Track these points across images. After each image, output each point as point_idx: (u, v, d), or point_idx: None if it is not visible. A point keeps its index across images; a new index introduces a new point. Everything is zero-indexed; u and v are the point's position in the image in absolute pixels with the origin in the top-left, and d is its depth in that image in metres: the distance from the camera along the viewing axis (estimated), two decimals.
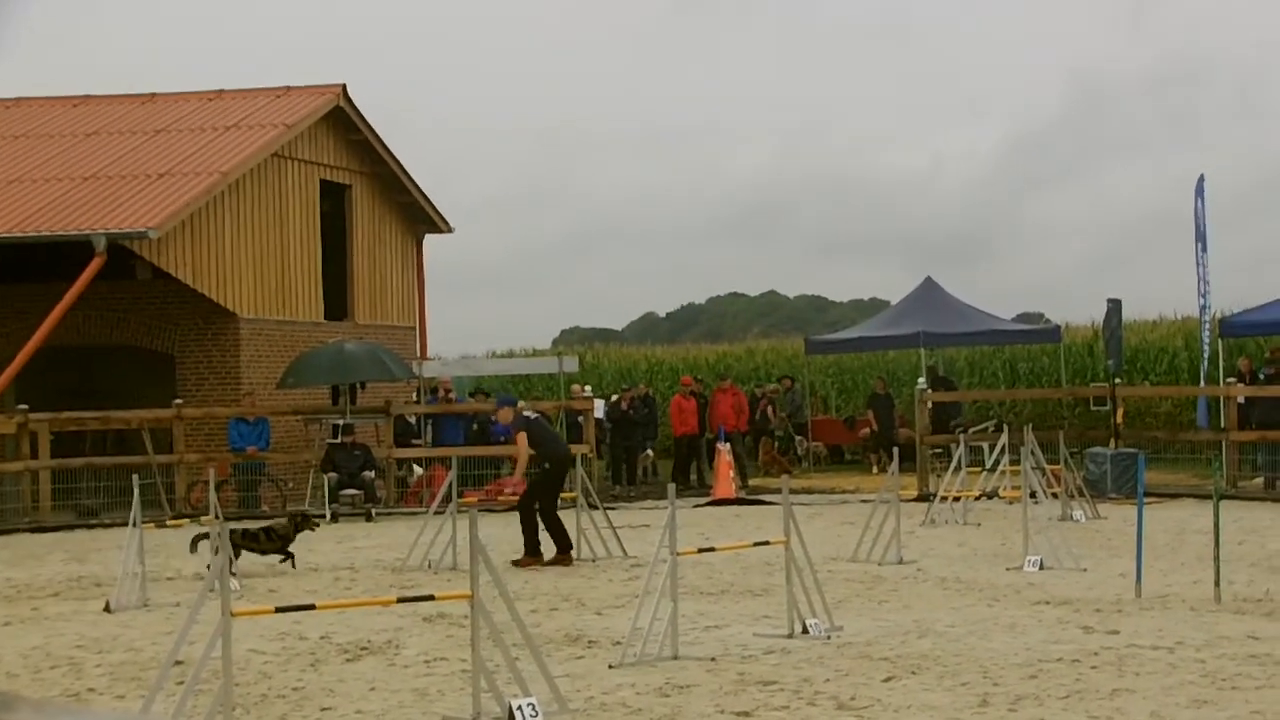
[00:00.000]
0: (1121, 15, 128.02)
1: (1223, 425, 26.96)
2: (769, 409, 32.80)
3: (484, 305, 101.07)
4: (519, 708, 9.53)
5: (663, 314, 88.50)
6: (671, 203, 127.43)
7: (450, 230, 35.10)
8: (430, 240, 35.25)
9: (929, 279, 34.98)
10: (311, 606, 10.83)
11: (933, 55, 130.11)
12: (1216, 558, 14.10)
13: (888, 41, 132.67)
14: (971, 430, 28.14)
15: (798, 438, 34.26)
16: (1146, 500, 16.19)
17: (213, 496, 18.14)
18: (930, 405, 28.67)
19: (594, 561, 18.26)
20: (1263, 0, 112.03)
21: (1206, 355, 30.09)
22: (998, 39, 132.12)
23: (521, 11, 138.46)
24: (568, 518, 18.28)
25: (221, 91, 32.51)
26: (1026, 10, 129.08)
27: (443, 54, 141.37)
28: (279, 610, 10.61)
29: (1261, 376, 27.59)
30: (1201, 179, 30.32)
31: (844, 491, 27.03)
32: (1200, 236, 29.96)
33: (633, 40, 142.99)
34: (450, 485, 18.18)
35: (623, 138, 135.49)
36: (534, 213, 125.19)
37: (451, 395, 29.77)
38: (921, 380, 30.36)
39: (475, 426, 28.66)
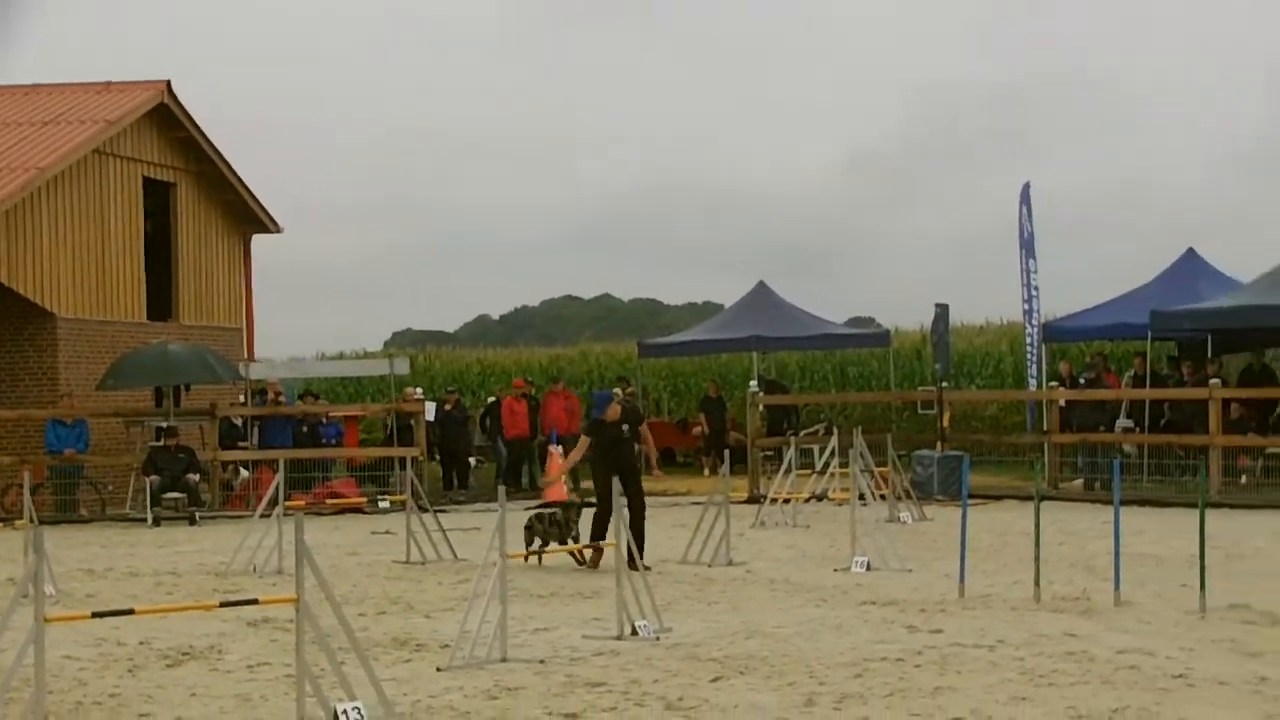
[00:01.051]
0: (962, 33, 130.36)
1: (1045, 428, 27.51)
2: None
3: (316, 308, 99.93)
4: (344, 712, 9.38)
5: (496, 317, 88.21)
6: (509, 211, 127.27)
7: (279, 230, 34.60)
8: (262, 242, 34.73)
9: (761, 283, 35.25)
10: (130, 611, 10.54)
11: (775, 68, 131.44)
12: (1037, 558, 14.36)
13: (730, 53, 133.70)
14: (802, 433, 28.43)
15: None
16: (971, 502, 16.44)
17: (27, 500, 17.65)
18: (762, 408, 28.89)
19: (423, 565, 18.09)
20: (1097, 22, 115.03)
21: (1032, 360, 30.69)
22: (839, 53, 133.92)
23: (369, 12, 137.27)
24: (397, 522, 18.09)
25: (38, 86, 31.73)
26: (867, 26, 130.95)
27: (284, 55, 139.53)
28: (96, 615, 10.32)
29: (1081, 381, 28.22)
30: (1027, 186, 30.91)
31: (676, 494, 27.12)
32: (1026, 244, 30.54)
33: (478, 49, 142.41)
34: (277, 488, 17.89)
35: (465, 145, 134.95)
36: (369, 217, 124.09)
37: (281, 398, 29.35)
38: (753, 383, 30.59)
39: (304, 429, 28.28)
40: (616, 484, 13.56)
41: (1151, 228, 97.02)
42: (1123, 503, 14.62)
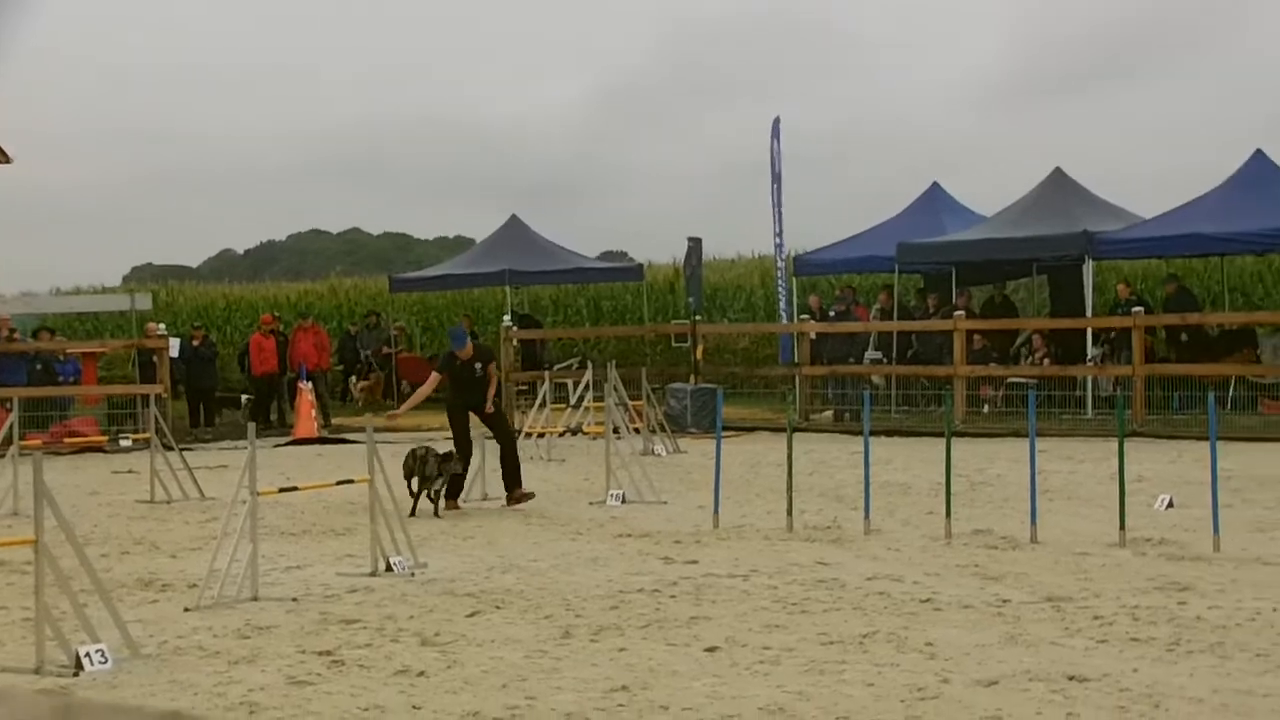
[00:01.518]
0: None
1: (796, 361, 27.95)
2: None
3: (50, 242, 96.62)
4: (87, 655, 9.06)
5: (241, 251, 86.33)
6: (252, 141, 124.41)
7: (9, 161, 33.21)
8: None
9: (514, 217, 35.09)
10: None
11: (525, 1, 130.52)
12: (789, 489, 14.57)
13: None
14: (556, 367, 28.41)
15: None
16: (724, 434, 16.60)
17: None
18: (516, 343, 28.78)
19: (169, 504, 17.63)
20: None
21: (783, 293, 31.12)
22: None
23: None
24: (140, 460, 17.56)
25: None
26: None
27: None
28: None
29: (831, 314, 28.72)
30: (777, 121, 31.25)
31: (430, 429, 26.88)
32: (776, 178, 30.89)
33: None
34: (11, 427, 17.22)
35: (206, 76, 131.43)
36: (105, 148, 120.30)
37: (15, 335, 28.29)
38: (506, 318, 30.46)
39: (39, 366, 27.31)
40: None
41: (897, 162, 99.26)
42: (871, 433, 14.89)
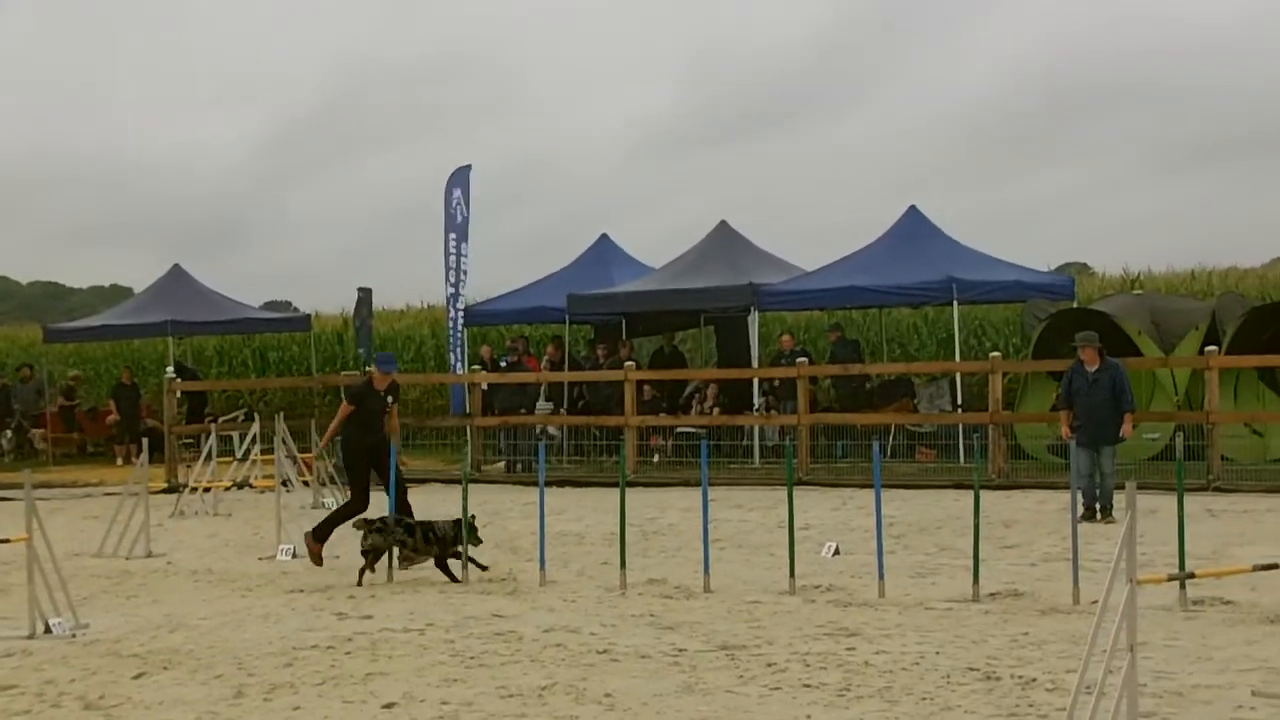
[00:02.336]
0: (382, 6, 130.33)
1: (468, 411, 27.85)
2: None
3: None
4: None
5: None
6: None
7: None
8: None
9: (177, 266, 34.21)
10: None
11: (191, 36, 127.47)
12: (464, 541, 14.46)
13: (146, 20, 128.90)
14: (222, 420, 27.71)
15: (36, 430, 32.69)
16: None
17: None
18: (180, 394, 27.98)
19: None
20: (507, 6, 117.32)
21: (455, 343, 31.01)
22: (258, 22, 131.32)
23: None
24: None
25: None
26: None
27: None
28: None
29: (503, 364, 28.73)
30: (466, 170, 31.16)
31: (88, 484, 25.89)
32: (459, 228, 30.81)
33: None
34: None
35: None
36: None
37: None
38: (170, 369, 29.60)
39: None
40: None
41: (567, 210, 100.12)
42: (545, 483, 14.92)
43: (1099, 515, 17.88)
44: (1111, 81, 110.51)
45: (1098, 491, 18.02)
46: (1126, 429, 18.14)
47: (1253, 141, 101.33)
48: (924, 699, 9.03)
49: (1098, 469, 18.01)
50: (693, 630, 11.53)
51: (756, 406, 26.56)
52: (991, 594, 12.79)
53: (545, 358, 29.47)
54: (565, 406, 28.14)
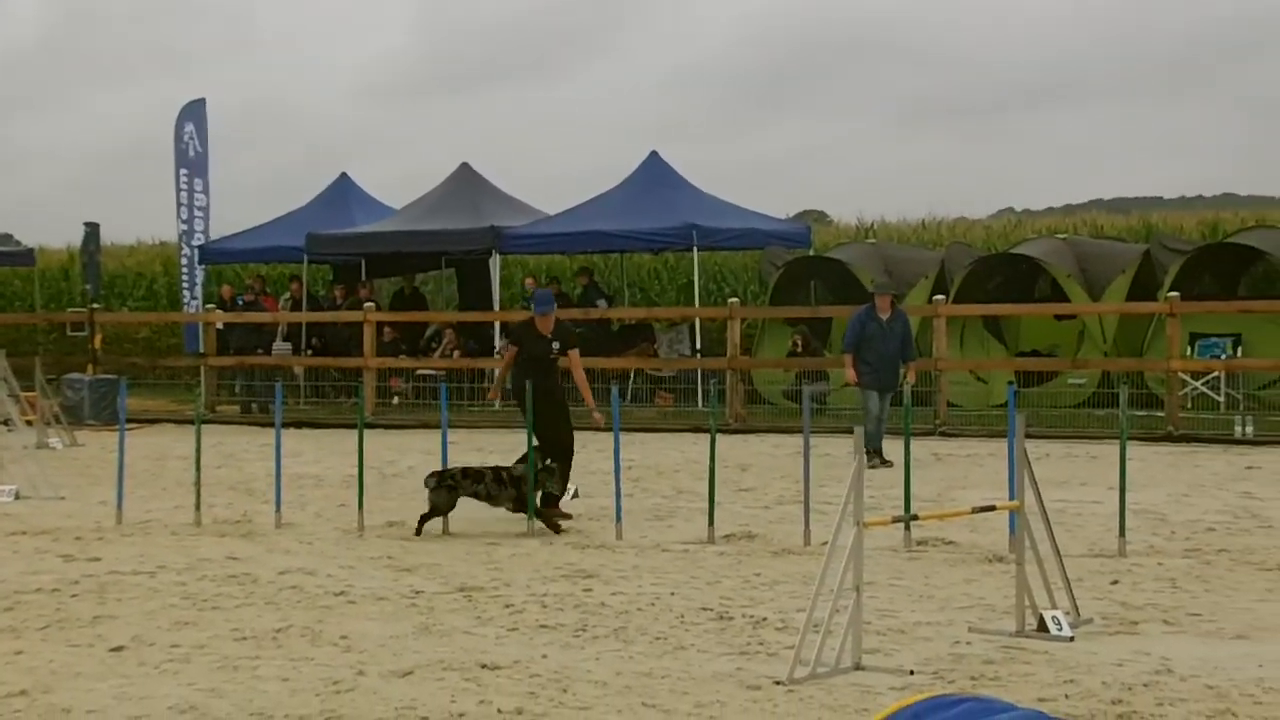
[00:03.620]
0: None
1: (202, 351, 27.27)
2: None
3: None
4: None
5: None
6: None
7: None
8: None
9: None
10: None
11: None
12: (197, 482, 14.21)
13: None
14: None
15: None
16: (127, 427, 15.99)
17: None
18: None
19: None
20: None
21: (189, 282, 30.29)
22: None
23: None
24: None
25: None
26: None
27: None
28: None
29: (240, 303, 28.19)
30: (196, 104, 30.34)
31: None
32: (188, 163, 30.03)
33: None
34: None
35: None
36: None
37: None
38: None
39: None
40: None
41: (306, 150, 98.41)
42: (283, 425, 14.69)
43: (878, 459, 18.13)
44: (855, 37, 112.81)
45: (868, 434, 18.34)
46: (911, 376, 18.55)
47: (983, 99, 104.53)
48: (658, 639, 9.16)
49: (883, 412, 18.38)
50: (431, 572, 11.51)
51: (498, 349, 26.53)
52: (726, 536, 13.01)
53: (286, 296, 29.00)
54: (304, 347, 27.74)
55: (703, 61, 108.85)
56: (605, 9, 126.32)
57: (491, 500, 13.61)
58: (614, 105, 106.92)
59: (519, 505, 13.60)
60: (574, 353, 14.59)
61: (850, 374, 18.42)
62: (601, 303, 25.75)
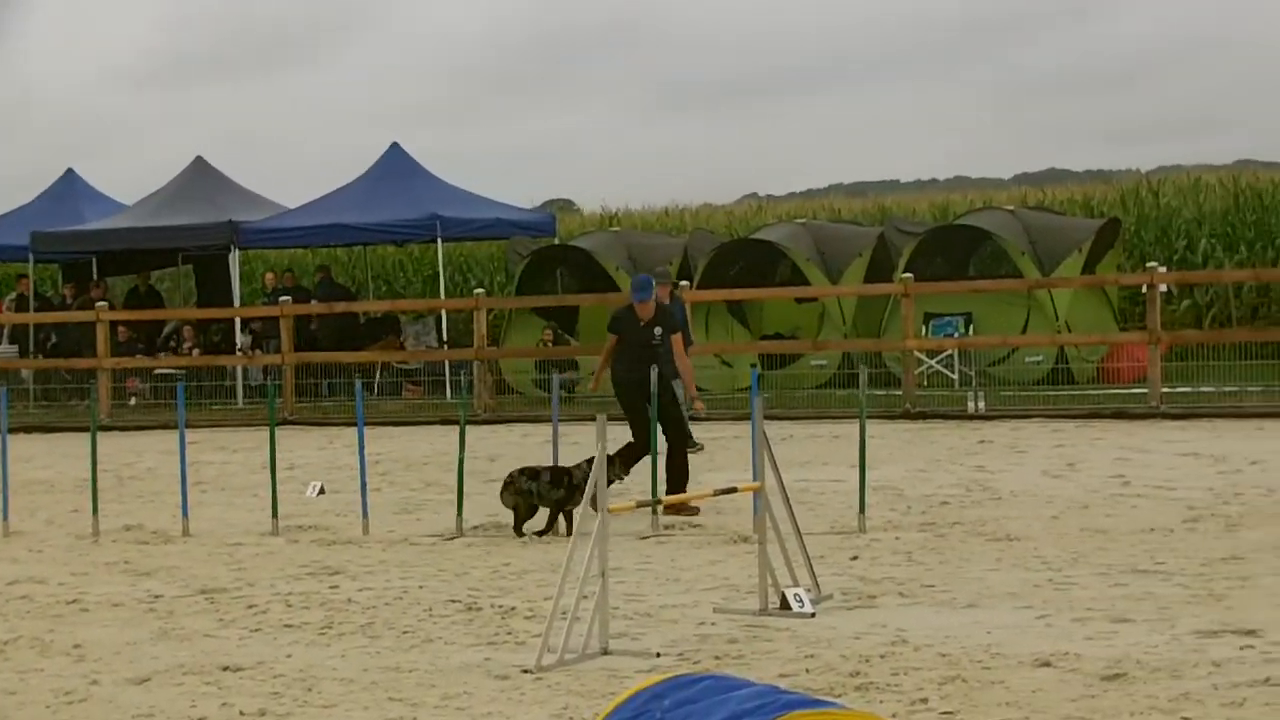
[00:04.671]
0: None
1: None
2: None
3: None
4: None
5: None
6: None
7: None
8: None
9: None
10: None
11: None
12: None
13: None
14: None
15: None
16: None
17: None
18: None
19: None
20: None
21: None
22: None
23: None
24: None
25: None
26: None
27: None
28: None
29: None
30: None
31: None
32: None
33: None
34: None
35: None
36: None
37: None
38: None
39: None
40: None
41: (30, 145, 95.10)
42: (10, 430, 14.18)
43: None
44: (600, 24, 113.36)
45: None
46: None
47: (726, 88, 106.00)
48: (405, 633, 9.07)
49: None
50: (170, 575, 11.23)
51: (240, 346, 26.05)
52: (475, 527, 12.96)
53: (11, 296, 28.06)
54: (33, 349, 26.85)
55: (447, 49, 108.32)
56: None
57: (540, 500, 12.79)
58: (355, 95, 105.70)
59: (558, 509, 12.74)
60: (677, 338, 13.86)
61: None
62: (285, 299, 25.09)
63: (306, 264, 31.32)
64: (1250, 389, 21.21)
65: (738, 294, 24.71)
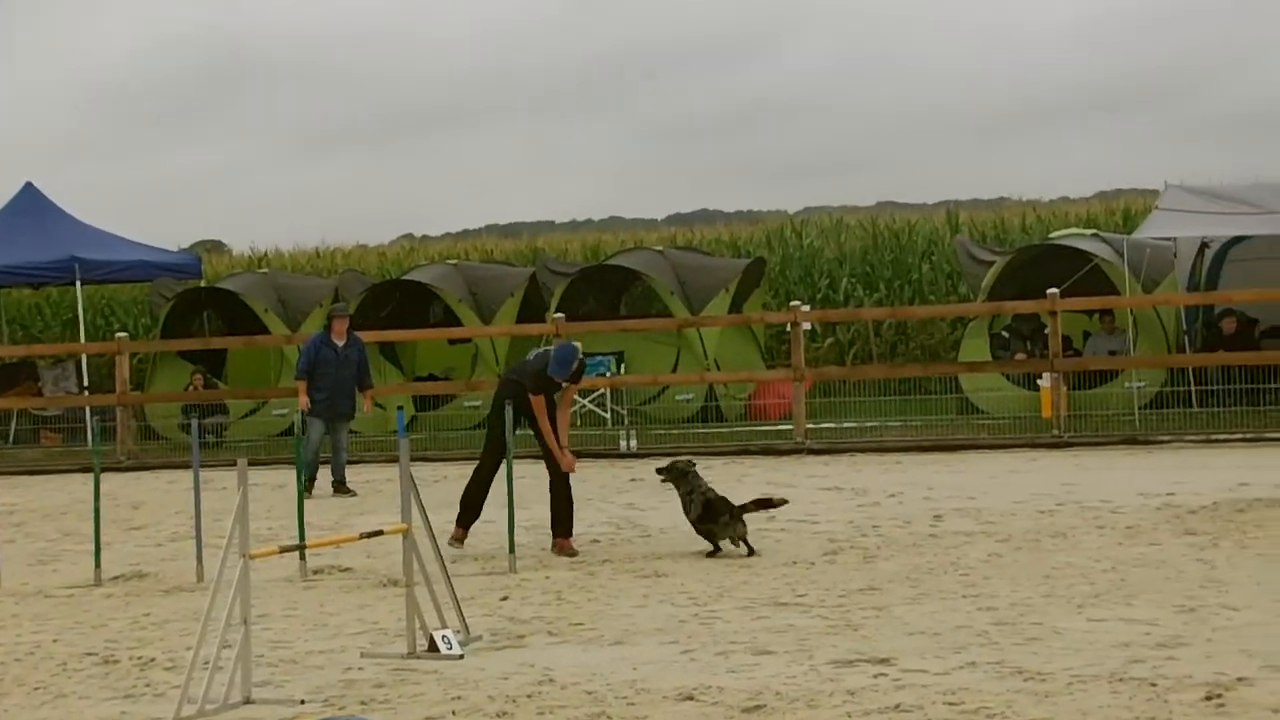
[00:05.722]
0: None
1: None
2: None
3: None
4: None
5: None
6: None
7: None
8: None
9: None
10: None
11: None
12: None
13: None
14: None
15: None
16: None
17: None
18: None
19: None
20: None
21: None
22: None
23: None
24: None
25: None
26: None
27: None
28: None
29: None
30: None
31: None
32: None
33: None
34: None
35: None
36: None
37: None
38: None
39: None
40: None
41: None
42: None
43: (333, 489, 17.85)
44: (248, 59, 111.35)
45: (332, 465, 18.07)
46: (367, 405, 18.31)
47: (382, 125, 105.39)
48: (37, 688, 8.70)
49: (333, 443, 18.04)
50: None
51: None
52: (115, 577, 12.53)
53: None
54: None
55: (91, 81, 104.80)
56: None
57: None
58: None
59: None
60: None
61: (304, 400, 18.04)
62: None
63: None
64: (890, 424, 22.06)
65: (390, 335, 24.54)
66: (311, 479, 17.81)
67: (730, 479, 17.84)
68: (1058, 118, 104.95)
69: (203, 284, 27.63)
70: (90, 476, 12.89)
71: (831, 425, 22.21)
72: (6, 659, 9.54)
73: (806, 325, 22.81)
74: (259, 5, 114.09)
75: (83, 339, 26.46)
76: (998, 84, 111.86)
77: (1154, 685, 7.77)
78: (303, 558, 12.24)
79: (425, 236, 46.20)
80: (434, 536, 9.69)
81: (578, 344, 13.61)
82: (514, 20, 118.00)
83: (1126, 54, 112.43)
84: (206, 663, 8.08)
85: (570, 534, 13.11)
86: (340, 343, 18.10)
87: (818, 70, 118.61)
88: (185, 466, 20.46)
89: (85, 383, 25.24)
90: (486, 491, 13.38)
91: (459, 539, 13.30)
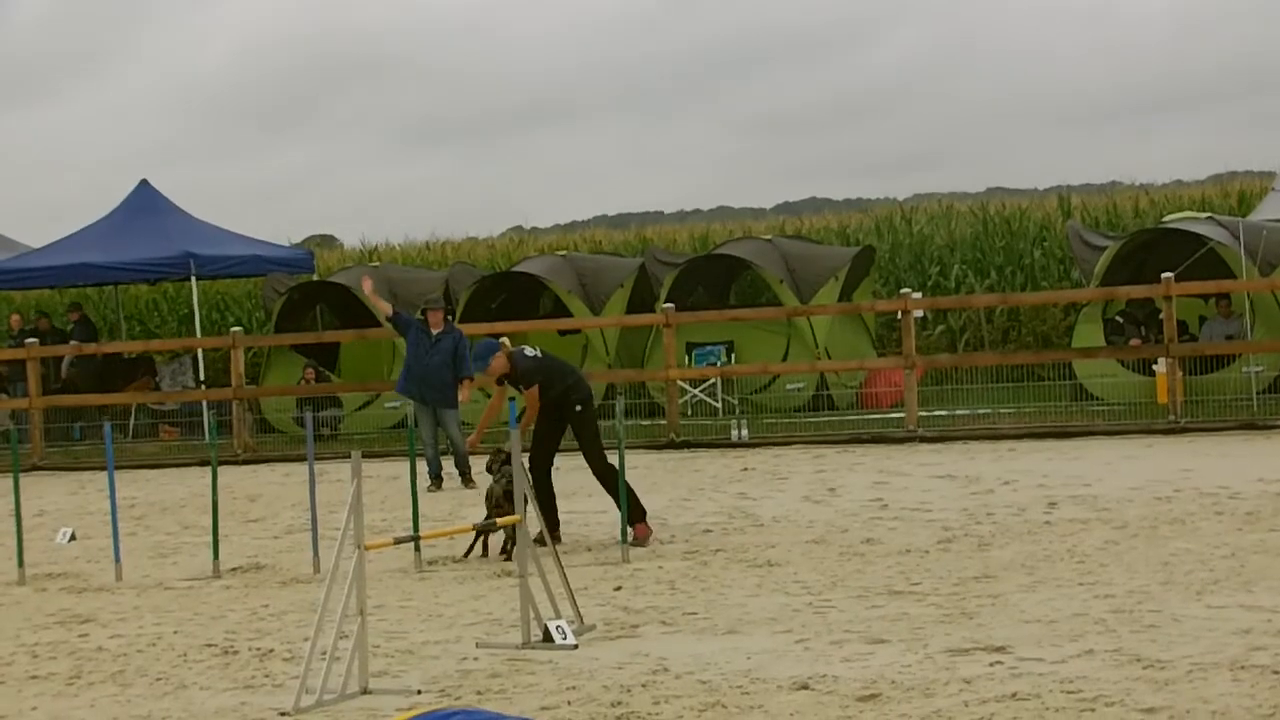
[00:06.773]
0: None
1: None
2: None
3: None
4: None
5: None
6: None
7: None
8: None
9: None
10: None
11: None
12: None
13: None
14: None
15: None
16: None
17: None
18: None
19: None
20: None
21: None
22: None
23: None
24: None
25: None
26: None
27: None
28: None
29: None
30: None
31: None
32: None
33: None
34: None
35: None
36: None
37: None
38: None
39: None
40: None
41: None
42: None
43: (461, 482, 17.86)
44: (354, 56, 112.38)
45: (454, 459, 18.08)
46: (465, 394, 18.36)
47: (487, 119, 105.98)
48: (159, 679, 8.84)
49: (445, 434, 18.17)
50: None
51: None
52: (233, 569, 12.70)
53: None
54: None
55: (198, 84, 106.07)
56: (94, 30, 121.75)
57: None
58: (103, 132, 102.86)
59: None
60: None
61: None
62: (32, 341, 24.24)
63: (55, 304, 30.40)
64: (1002, 410, 21.84)
65: (500, 327, 24.61)
66: (437, 476, 17.92)
67: (843, 468, 17.78)
68: (1169, 102, 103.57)
69: (315, 278, 27.90)
70: (208, 470, 13.07)
71: (944, 413, 22.04)
72: (129, 650, 9.70)
73: (917, 313, 22.61)
74: (363, 3, 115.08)
75: (198, 334, 26.83)
76: (1107, 69, 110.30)
77: (1277, 673, 7.63)
78: (417, 549, 12.34)
79: (534, 228, 46.40)
80: (550, 528, 9.72)
81: (495, 339, 13.76)
82: (614, 15, 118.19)
83: (1236, 38, 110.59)
84: (324, 653, 8.17)
85: (644, 518, 13.01)
86: (436, 332, 18.21)
87: (920, 57, 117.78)
88: (300, 460, 20.71)
89: (201, 377, 25.57)
90: (547, 491, 13.24)
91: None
